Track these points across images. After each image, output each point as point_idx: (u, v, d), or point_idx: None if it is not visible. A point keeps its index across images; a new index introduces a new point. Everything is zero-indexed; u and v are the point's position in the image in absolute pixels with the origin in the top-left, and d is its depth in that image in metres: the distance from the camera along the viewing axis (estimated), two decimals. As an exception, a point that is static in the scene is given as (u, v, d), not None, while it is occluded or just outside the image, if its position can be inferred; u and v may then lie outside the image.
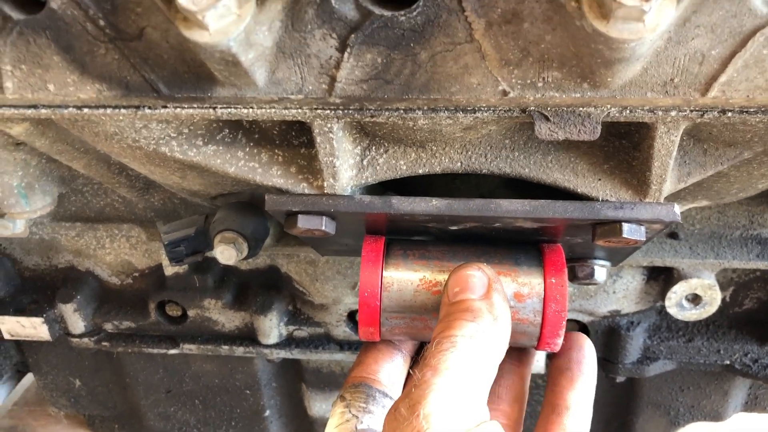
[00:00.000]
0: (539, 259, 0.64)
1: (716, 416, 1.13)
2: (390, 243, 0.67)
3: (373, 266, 0.63)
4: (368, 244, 0.65)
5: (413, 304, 0.63)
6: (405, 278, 0.63)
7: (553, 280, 0.62)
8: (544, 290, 0.62)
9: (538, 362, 1.03)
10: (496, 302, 0.56)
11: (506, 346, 0.56)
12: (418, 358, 0.57)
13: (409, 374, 0.62)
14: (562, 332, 0.62)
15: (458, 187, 0.80)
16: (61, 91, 0.55)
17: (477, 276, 0.57)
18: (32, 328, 1.08)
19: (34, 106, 0.58)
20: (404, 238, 0.69)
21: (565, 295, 0.62)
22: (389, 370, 0.67)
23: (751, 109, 0.52)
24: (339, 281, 1.01)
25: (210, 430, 1.30)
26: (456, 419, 0.48)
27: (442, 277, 0.63)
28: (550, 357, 0.67)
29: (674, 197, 0.69)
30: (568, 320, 1.01)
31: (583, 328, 1.02)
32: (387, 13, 0.49)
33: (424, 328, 0.64)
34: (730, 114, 0.52)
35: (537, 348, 0.64)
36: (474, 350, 0.52)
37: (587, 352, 0.65)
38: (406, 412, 0.48)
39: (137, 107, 0.57)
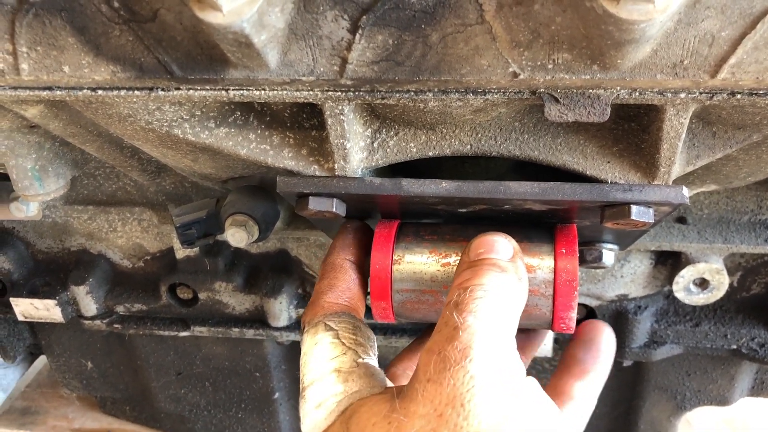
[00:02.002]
0: (550, 236, 0.65)
1: (723, 401, 1.14)
2: (403, 223, 0.68)
3: (385, 240, 0.64)
4: (381, 222, 0.66)
5: (423, 277, 0.64)
6: (416, 252, 0.65)
7: (564, 250, 0.63)
8: (555, 260, 0.63)
9: (546, 345, 1.03)
10: (520, 266, 0.57)
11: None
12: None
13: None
14: (575, 304, 0.62)
15: (468, 172, 0.80)
16: (75, 73, 0.56)
17: (502, 242, 0.58)
18: (45, 310, 1.10)
19: (49, 88, 0.58)
20: (416, 222, 0.70)
21: (575, 265, 0.62)
22: (359, 296, 0.65)
23: (761, 91, 0.52)
24: (348, 265, 1.01)
25: (220, 411, 1.31)
26: (505, 366, 0.49)
27: (452, 252, 0.64)
28: (569, 340, 0.67)
29: (683, 181, 0.69)
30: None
31: (591, 312, 1.02)
32: (398, -6, 0.49)
33: (434, 302, 0.65)
34: (739, 96, 0.52)
35: (552, 327, 0.64)
36: (504, 301, 0.52)
37: (605, 347, 0.65)
38: (457, 356, 0.47)
39: (151, 89, 0.58)
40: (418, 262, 0.65)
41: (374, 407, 0.51)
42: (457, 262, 0.63)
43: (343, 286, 0.64)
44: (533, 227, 0.66)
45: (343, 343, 0.58)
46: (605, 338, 0.66)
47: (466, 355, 0.47)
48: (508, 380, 0.48)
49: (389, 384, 0.57)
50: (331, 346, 0.58)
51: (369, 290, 0.66)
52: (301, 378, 0.59)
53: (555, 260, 0.63)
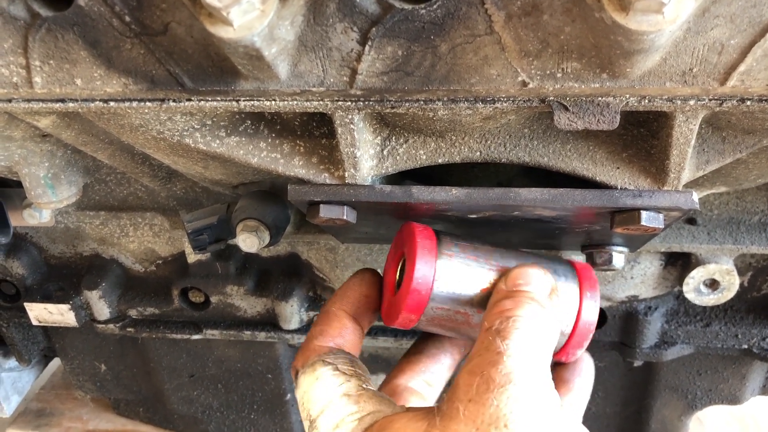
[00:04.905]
0: (574, 274, 0.66)
1: (734, 400, 1.14)
2: (440, 235, 0.65)
3: (429, 254, 0.61)
4: (420, 231, 0.63)
5: (460, 297, 0.62)
6: (458, 273, 0.62)
7: (588, 294, 0.65)
8: (579, 302, 0.64)
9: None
10: (555, 304, 0.59)
11: None
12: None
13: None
14: (586, 344, 0.65)
15: (477, 175, 0.81)
16: (88, 86, 0.57)
17: (542, 277, 0.59)
18: (59, 314, 1.11)
19: (62, 100, 0.59)
20: (453, 235, 0.69)
21: (596, 311, 0.64)
22: (353, 342, 0.65)
23: (770, 98, 0.52)
24: (358, 268, 1.02)
25: (232, 413, 1.32)
26: (545, 395, 0.51)
27: (490, 276, 0.63)
28: (554, 365, 0.68)
29: (693, 184, 0.70)
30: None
31: (601, 313, 1.02)
32: (408, 7, 0.50)
33: (463, 323, 0.63)
34: (749, 102, 0.52)
35: (555, 356, 0.66)
36: (543, 335, 0.54)
37: (586, 366, 0.68)
38: (502, 380, 0.49)
39: (162, 100, 0.58)
40: (460, 285, 0.62)
41: (409, 424, 0.52)
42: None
43: (334, 332, 0.64)
44: (559, 263, 0.67)
45: (345, 373, 0.58)
46: (586, 360, 0.68)
47: (510, 380, 0.49)
48: (548, 407, 0.50)
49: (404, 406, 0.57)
50: (334, 377, 0.58)
51: (381, 307, 0.67)
52: (305, 415, 0.59)
53: (580, 303, 0.64)
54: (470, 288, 0.62)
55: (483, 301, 0.62)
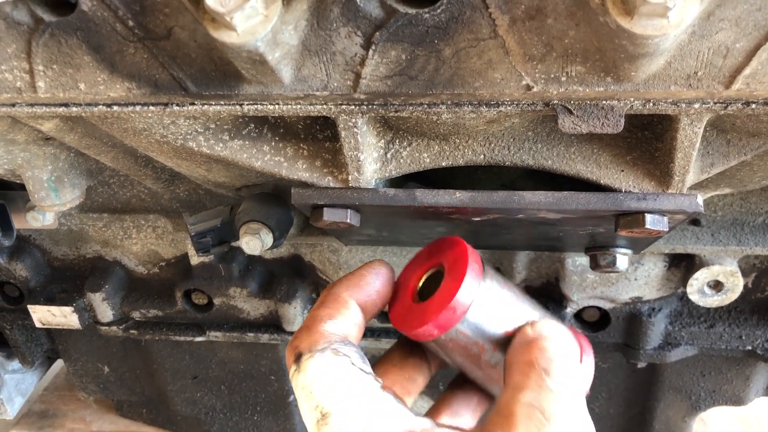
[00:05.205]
0: (576, 345, 0.65)
1: (738, 401, 1.13)
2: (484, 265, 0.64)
3: (476, 278, 0.59)
4: (471, 252, 0.60)
5: (485, 330, 0.59)
6: (493, 302, 0.60)
7: (587, 358, 0.66)
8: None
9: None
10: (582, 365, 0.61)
11: None
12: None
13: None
14: None
15: (480, 177, 0.81)
16: (91, 90, 0.57)
17: (570, 335, 0.59)
18: (63, 316, 1.11)
19: (65, 105, 0.59)
20: (494, 269, 0.67)
21: (588, 384, 0.65)
22: (356, 335, 0.60)
23: (776, 101, 0.52)
24: (361, 269, 1.02)
25: (235, 414, 1.32)
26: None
27: (518, 320, 0.60)
28: None
29: (697, 186, 0.69)
30: (589, 307, 1.02)
31: (605, 315, 1.02)
32: (411, 11, 0.50)
33: (475, 356, 0.60)
34: (754, 106, 0.52)
35: None
36: (581, 380, 0.56)
37: None
38: (559, 416, 0.52)
39: (166, 104, 0.58)
40: (491, 317, 0.59)
41: None
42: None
43: (343, 321, 0.59)
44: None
45: (362, 370, 0.54)
46: None
47: (567, 419, 0.52)
48: None
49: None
50: (350, 371, 0.53)
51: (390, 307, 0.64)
52: (312, 405, 0.53)
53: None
54: (498, 324, 0.59)
55: (501, 341, 0.59)
